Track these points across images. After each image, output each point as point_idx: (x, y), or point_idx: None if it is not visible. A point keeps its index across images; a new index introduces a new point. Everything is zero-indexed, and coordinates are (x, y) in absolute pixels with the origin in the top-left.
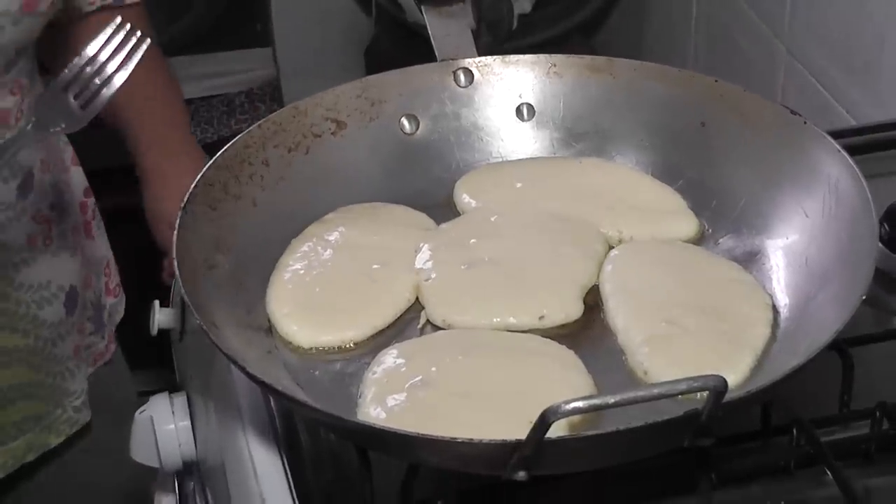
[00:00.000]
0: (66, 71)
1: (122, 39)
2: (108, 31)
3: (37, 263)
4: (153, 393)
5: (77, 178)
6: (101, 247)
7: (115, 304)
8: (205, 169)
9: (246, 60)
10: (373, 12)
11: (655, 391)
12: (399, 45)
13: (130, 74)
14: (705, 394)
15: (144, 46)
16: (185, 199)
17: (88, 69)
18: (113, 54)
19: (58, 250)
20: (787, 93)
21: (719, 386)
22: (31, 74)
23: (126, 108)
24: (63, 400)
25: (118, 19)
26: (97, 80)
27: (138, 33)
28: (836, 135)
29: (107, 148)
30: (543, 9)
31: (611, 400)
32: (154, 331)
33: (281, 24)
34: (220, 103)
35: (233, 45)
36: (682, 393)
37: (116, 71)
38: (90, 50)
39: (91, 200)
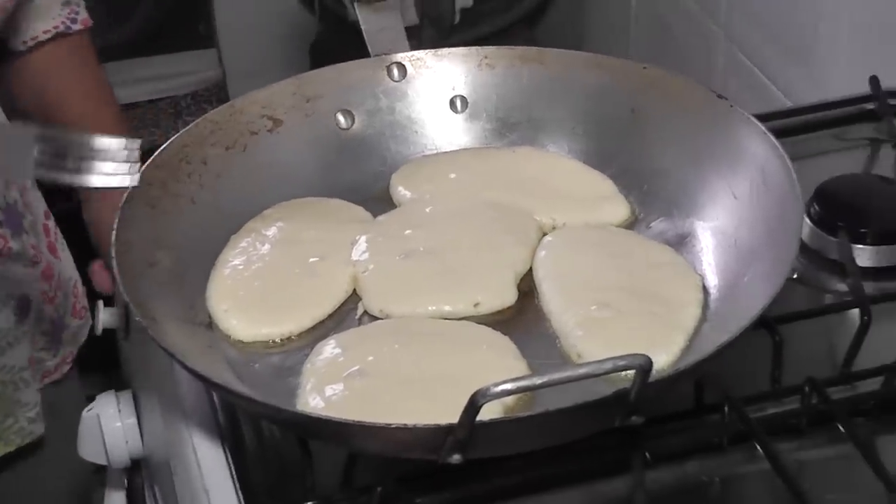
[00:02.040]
0: (52, 130)
1: (126, 157)
2: (125, 142)
3: None
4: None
5: (38, 199)
6: (68, 267)
7: (81, 326)
8: (143, 168)
9: (191, 62)
10: (316, 10)
11: (582, 371)
12: (343, 42)
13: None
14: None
15: (134, 180)
16: (124, 199)
17: (76, 151)
18: (105, 157)
19: (8, 261)
20: (726, 77)
21: (645, 365)
22: None
23: (63, 119)
24: (16, 410)
25: (138, 142)
26: (76, 164)
27: (139, 168)
28: (771, 116)
29: None
30: (485, 2)
31: (538, 381)
32: (99, 330)
33: (225, 24)
34: (167, 106)
35: (177, 47)
36: (608, 372)
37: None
38: (100, 141)
39: (52, 222)
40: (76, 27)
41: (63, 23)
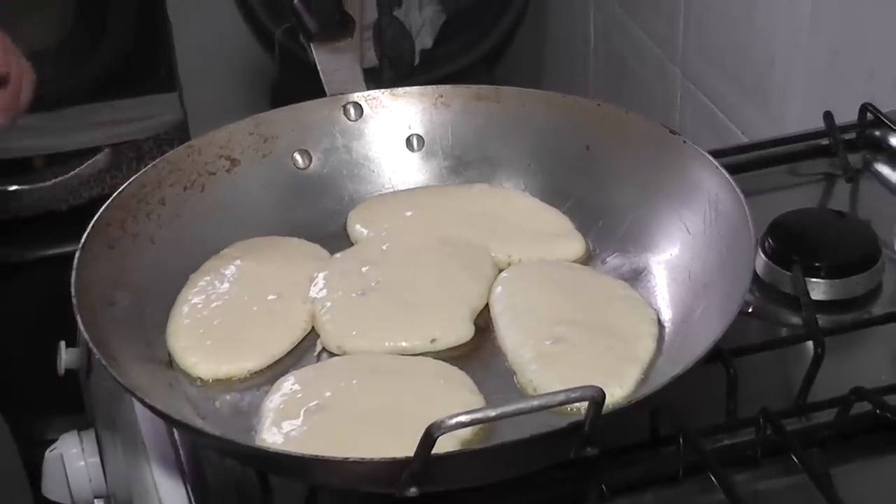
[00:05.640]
0: None
1: None
2: None
3: None
4: None
5: None
6: None
7: None
8: (102, 209)
9: (153, 106)
10: (276, 53)
11: (535, 403)
12: (303, 83)
13: None
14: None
15: None
16: (83, 240)
17: None
18: None
19: None
20: (683, 115)
21: (597, 396)
22: None
23: None
24: None
25: None
26: None
27: None
28: (726, 152)
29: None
30: (445, 43)
31: (491, 413)
32: (61, 371)
33: (186, 68)
34: (129, 150)
35: (139, 91)
36: (561, 404)
37: None
38: None
39: None
40: None
41: None
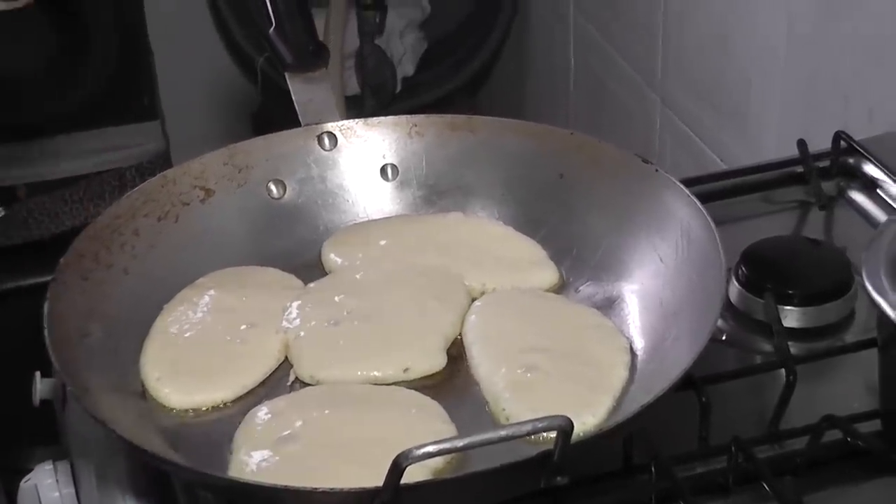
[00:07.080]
0: None
1: None
2: None
3: None
4: None
5: None
6: None
7: None
8: (75, 241)
9: (135, 134)
10: (258, 81)
11: (503, 433)
12: (285, 112)
13: None
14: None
15: None
16: (56, 271)
17: None
18: None
19: None
20: (663, 142)
21: (565, 426)
22: None
23: None
24: None
25: None
26: None
27: None
28: (702, 180)
29: None
30: (427, 71)
31: (459, 443)
32: (36, 401)
33: (168, 96)
34: (112, 178)
35: (122, 119)
36: (529, 434)
37: None
38: None
39: None
40: None
41: None
